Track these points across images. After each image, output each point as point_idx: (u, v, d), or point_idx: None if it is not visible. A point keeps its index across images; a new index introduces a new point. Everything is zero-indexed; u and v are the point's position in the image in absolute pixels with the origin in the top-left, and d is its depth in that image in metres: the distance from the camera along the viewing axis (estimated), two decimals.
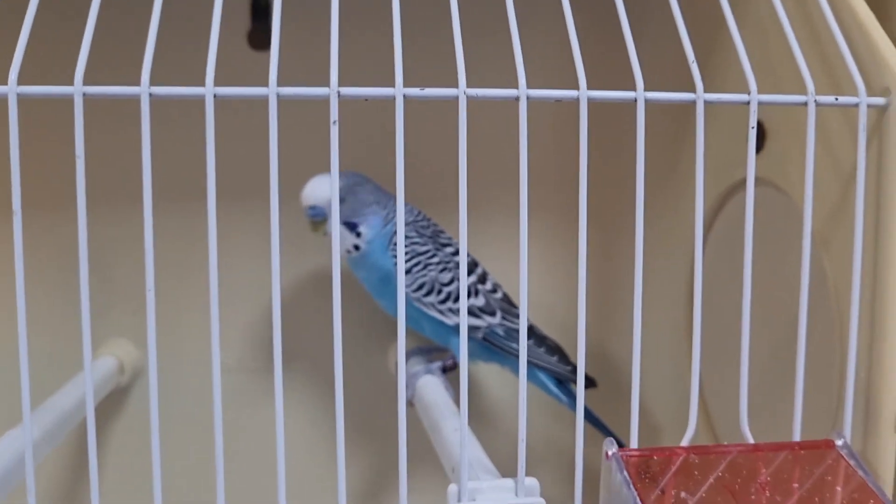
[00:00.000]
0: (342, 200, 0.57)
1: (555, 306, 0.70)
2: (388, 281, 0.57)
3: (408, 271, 0.58)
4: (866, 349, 0.41)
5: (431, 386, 0.57)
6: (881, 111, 0.40)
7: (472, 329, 0.58)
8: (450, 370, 0.61)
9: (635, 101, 0.38)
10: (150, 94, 0.35)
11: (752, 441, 0.41)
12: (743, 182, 0.41)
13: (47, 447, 0.48)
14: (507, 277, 0.62)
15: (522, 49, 0.38)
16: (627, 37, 0.39)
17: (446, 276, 0.58)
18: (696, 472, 0.39)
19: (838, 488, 0.39)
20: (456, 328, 0.40)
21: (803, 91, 0.39)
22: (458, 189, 0.37)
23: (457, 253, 0.59)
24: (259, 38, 0.66)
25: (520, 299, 0.38)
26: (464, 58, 0.37)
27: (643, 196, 0.38)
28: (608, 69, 0.43)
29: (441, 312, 0.58)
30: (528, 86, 0.37)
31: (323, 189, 0.57)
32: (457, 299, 0.57)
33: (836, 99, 0.39)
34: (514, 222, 0.38)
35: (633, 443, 0.40)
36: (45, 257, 0.66)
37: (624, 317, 0.65)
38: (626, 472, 0.38)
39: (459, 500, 0.38)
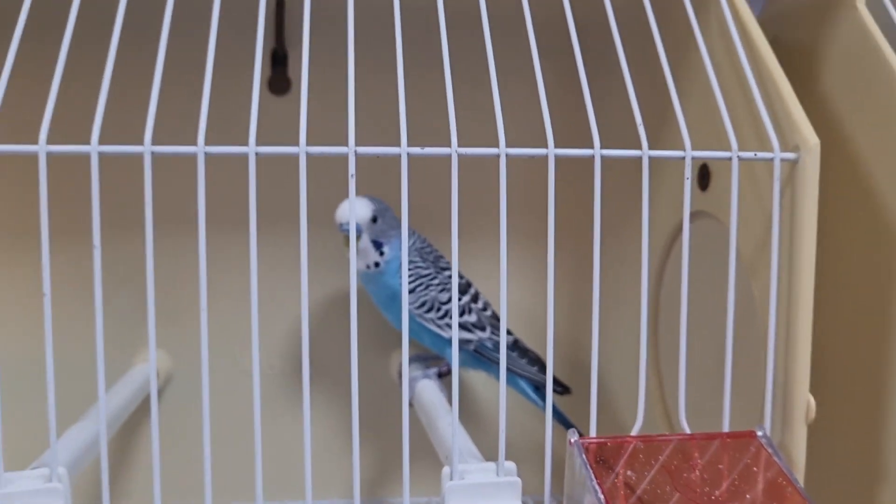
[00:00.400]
0: (374, 220, 0.65)
1: (539, 321, 0.79)
2: (396, 298, 0.65)
3: (412, 290, 0.66)
4: (783, 357, 0.50)
5: (429, 389, 0.66)
6: (792, 164, 0.49)
7: (464, 342, 0.68)
8: (444, 375, 0.69)
9: (593, 157, 0.47)
10: (152, 153, 0.44)
11: (689, 431, 0.50)
12: (695, 213, 0.50)
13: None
14: (496, 295, 0.70)
15: (504, 110, 0.47)
16: (588, 103, 0.48)
17: (445, 296, 0.67)
18: (641, 457, 0.48)
19: (759, 472, 0.48)
20: (451, 340, 0.49)
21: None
22: (452, 223, 0.46)
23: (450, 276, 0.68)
24: (278, 84, 0.75)
25: (501, 317, 0.47)
26: (455, 119, 0.47)
27: (599, 233, 0.48)
28: (581, 122, 0.52)
29: (439, 327, 0.67)
30: (508, 142, 0.47)
31: (358, 210, 0.64)
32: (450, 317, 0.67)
33: (755, 154, 0.49)
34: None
35: (592, 432, 0.49)
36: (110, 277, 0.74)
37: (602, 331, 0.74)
38: (584, 457, 0.47)
39: (451, 479, 0.47)
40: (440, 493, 0.47)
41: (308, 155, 0.45)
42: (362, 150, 0.45)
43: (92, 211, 0.43)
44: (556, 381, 0.71)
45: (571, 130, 0.51)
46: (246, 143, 0.45)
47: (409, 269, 0.66)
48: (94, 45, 0.50)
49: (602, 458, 0.47)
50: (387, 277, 0.66)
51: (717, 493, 0.46)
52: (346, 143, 0.45)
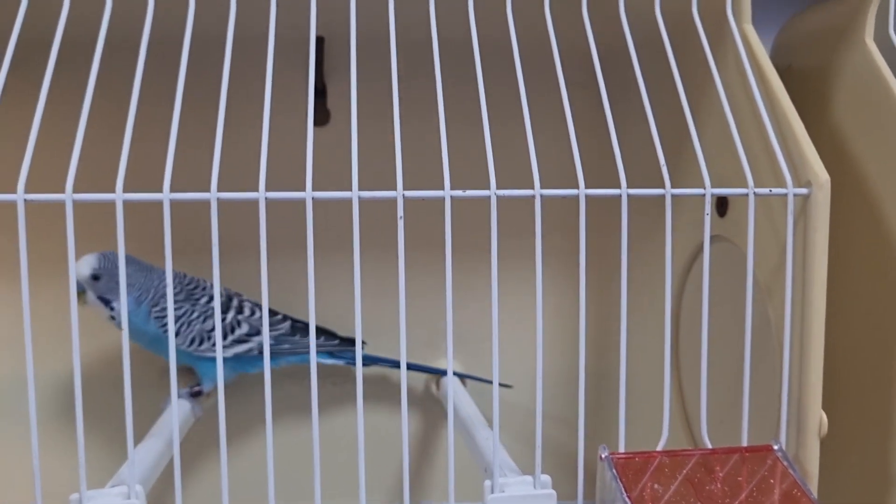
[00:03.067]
0: (97, 278, 0.67)
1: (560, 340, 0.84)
2: (161, 341, 0.68)
3: (177, 334, 0.69)
4: (797, 375, 0.54)
5: (465, 402, 0.70)
6: (805, 198, 0.53)
7: (247, 350, 0.72)
8: (197, 395, 0.72)
9: (620, 196, 0.51)
10: (218, 199, 0.48)
11: (710, 446, 0.54)
12: (713, 238, 0.54)
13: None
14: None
15: (536, 152, 0.52)
16: (615, 145, 0.52)
17: (209, 324, 0.70)
18: (667, 470, 0.52)
19: (775, 484, 0.52)
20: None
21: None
22: (492, 262, 0.50)
23: (211, 300, 0.71)
24: (318, 116, 0.79)
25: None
26: (493, 162, 0.51)
27: (626, 263, 0.52)
28: (598, 154, 0.56)
29: (213, 351, 0.69)
30: (522, 179, 0.51)
31: (78, 268, 0.66)
32: (223, 337, 0.70)
33: (770, 191, 0.53)
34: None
35: (621, 447, 0.53)
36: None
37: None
38: (614, 470, 0.51)
39: (492, 492, 0.51)
40: None
41: (360, 199, 0.49)
42: (410, 193, 0.49)
43: (165, 249, 0.48)
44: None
45: (591, 164, 0.55)
46: (288, 178, 0.49)
47: (163, 315, 0.68)
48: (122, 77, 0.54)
49: (630, 471, 0.51)
50: (138, 326, 0.68)
51: (736, 503, 0.50)
52: (381, 176, 0.50)
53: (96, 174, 0.50)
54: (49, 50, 0.50)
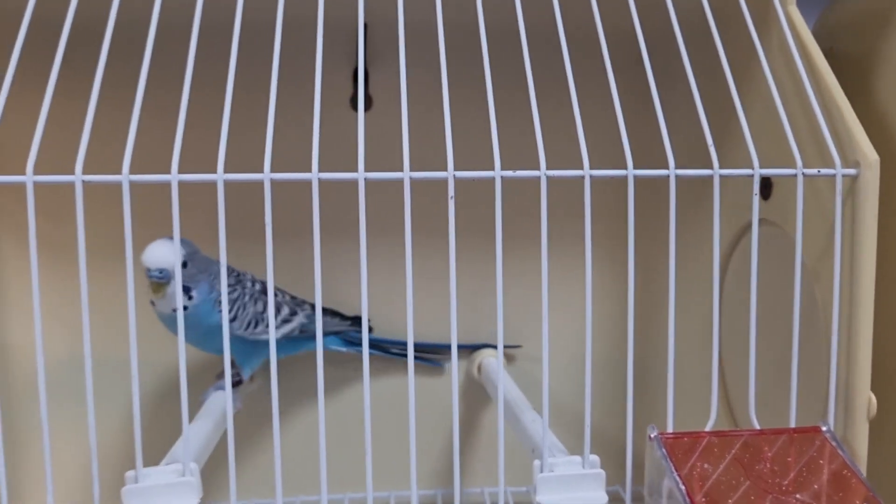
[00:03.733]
0: (184, 265, 0.63)
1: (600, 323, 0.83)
2: (212, 331, 0.65)
3: (234, 318, 0.68)
4: (845, 356, 0.54)
5: (511, 387, 0.70)
6: (853, 179, 0.53)
7: (290, 331, 0.73)
8: (236, 385, 0.72)
9: (668, 177, 0.51)
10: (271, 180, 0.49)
11: (758, 427, 0.54)
12: (759, 221, 0.54)
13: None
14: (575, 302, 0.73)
15: (566, 127, 0.52)
16: (662, 124, 0.52)
17: (260, 305, 0.70)
18: (715, 450, 0.52)
19: (824, 464, 0.52)
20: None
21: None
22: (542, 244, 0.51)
23: (254, 284, 0.71)
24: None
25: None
26: (543, 142, 0.51)
27: (674, 246, 0.52)
28: (641, 135, 0.56)
29: (266, 333, 0.69)
30: (568, 160, 0.52)
31: (170, 256, 0.61)
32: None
33: (819, 171, 0.53)
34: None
35: (670, 428, 0.53)
36: None
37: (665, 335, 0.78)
38: (663, 450, 0.51)
39: (542, 472, 0.52)
40: (532, 483, 0.52)
41: (412, 180, 0.49)
42: (461, 174, 0.49)
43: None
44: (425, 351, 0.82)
45: (635, 145, 0.55)
46: (333, 161, 0.50)
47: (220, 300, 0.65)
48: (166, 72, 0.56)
49: (679, 451, 0.52)
50: (200, 318, 0.66)
51: (785, 482, 0.50)
52: (423, 161, 0.50)
53: (143, 159, 0.51)
54: (100, 38, 0.51)
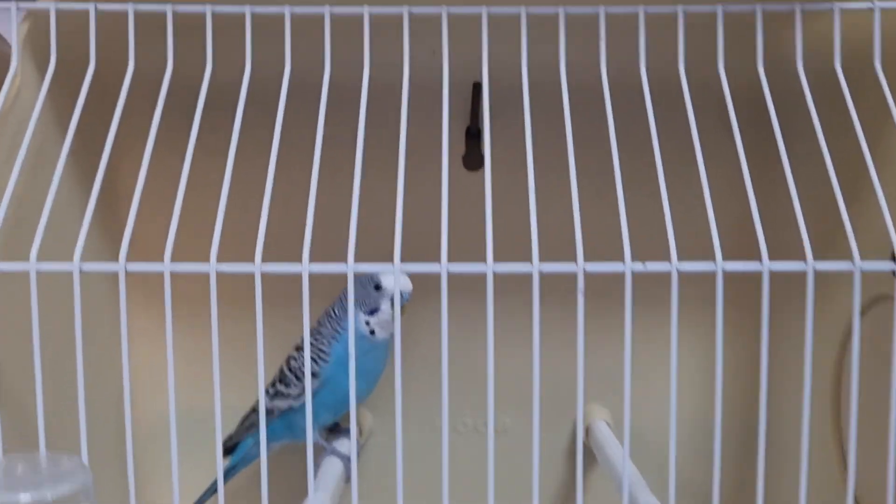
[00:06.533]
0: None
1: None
2: (382, 367, 0.69)
3: None
4: None
5: (603, 428, 0.71)
6: None
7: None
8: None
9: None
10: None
11: None
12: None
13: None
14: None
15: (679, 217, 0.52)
16: (756, 216, 0.51)
17: None
18: None
19: None
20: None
21: None
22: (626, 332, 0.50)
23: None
24: (471, 160, 0.79)
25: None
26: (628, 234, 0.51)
27: (767, 343, 0.50)
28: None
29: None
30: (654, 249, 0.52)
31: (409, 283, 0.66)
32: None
33: None
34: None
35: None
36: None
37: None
38: None
39: None
40: None
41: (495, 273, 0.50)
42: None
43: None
44: None
45: (731, 234, 0.54)
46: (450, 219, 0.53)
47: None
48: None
49: None
50: (386, 349, 0.69)
51: None
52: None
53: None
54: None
